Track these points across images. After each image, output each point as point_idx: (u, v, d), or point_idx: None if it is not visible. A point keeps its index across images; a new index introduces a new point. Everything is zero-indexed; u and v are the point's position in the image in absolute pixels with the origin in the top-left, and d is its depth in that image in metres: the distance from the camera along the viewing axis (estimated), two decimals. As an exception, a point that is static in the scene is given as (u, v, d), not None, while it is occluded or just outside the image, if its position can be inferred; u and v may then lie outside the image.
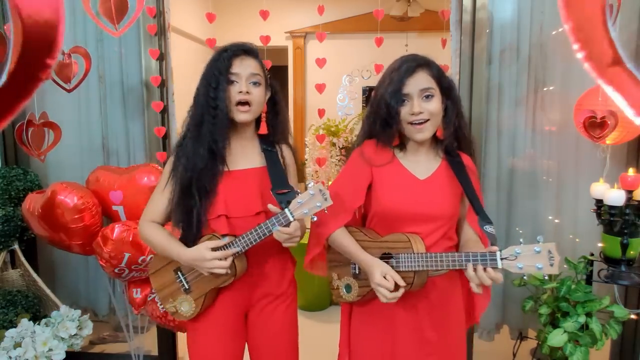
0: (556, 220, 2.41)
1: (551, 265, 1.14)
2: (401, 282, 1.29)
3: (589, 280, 2.09)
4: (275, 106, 1.50)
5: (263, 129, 1.48)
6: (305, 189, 1.30)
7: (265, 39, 2.63)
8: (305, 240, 1.54)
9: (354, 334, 1.51)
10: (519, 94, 2.40)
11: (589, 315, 1.97)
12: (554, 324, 2.03)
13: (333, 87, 5.65)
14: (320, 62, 2.71)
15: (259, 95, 1.40)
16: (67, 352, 2.19)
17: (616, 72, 0.34)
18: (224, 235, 1.39)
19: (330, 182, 4.64)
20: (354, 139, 4.71)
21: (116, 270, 2.09)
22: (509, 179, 2.46)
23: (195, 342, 1.52)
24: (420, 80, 1.35)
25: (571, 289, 2.02)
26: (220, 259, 1.34)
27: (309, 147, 5.48)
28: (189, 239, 1.41)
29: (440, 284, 1.42)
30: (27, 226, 2.38)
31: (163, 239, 1.44)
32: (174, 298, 1.49)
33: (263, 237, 1.34)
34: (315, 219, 1.33)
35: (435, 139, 1.45)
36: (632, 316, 2.14)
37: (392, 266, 1.33)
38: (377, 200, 1.41)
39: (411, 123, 1.35)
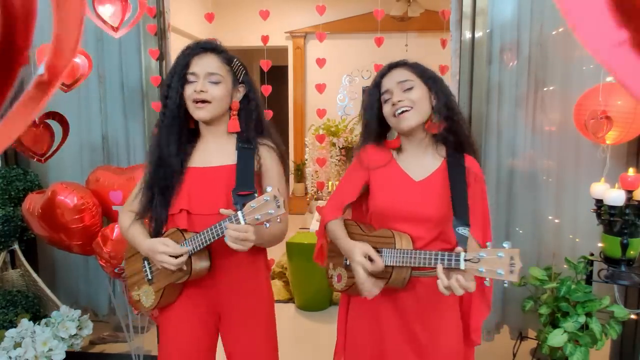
0: (556, 220, 2.41)
1: (511, 272, 1.11)
2: (379, 261, 1.31)
3: (589, 280, 2.09)
4: (249, 103, 1.47)
5: (232, 127, 1.45)
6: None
7: (265, 39, 2.63)
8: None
9: (349, 326, 1.54)
10: (519, 94, 2.40)
11: (589, 315, 1.97)
12: (554, 324, 2.03)
13: (333, 87, 5.68)
14: (320, 62, 2.71)
15: (217, 94, 1.39)
16: (67, 352, 2.19)
17: (622, 53, 0.32)
18: (186, 231, 1.39)
19: (330, 182, 4.65)
20: (354, 139, 4.74)
21: (116, 270, 2.09)
22: (509, 179, 2.46)
23: (163, 341, 1.53)
24: (396, 75, 1.40)
25: (571, 289, 2.02)
26: (172, 255, 1.34)
27: (309, 147, 5.49)
28: (154, 232, 1.44)
29: (431, 286, 1.39)
30: (27, 226, 2.38)
31: (130, 228, 1.48)
32: (138, 286, 1.51)
33: (216, 238, 1.31)
34: (267, 225, 1.24)
35: (434, 139, 1.45)
36: (632, 316, 2.14)
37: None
38: (372, 199, 1.45)
39: (395, 115, 1.38)
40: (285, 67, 6.02)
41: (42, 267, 2.77)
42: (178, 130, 1.42)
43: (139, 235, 1.45)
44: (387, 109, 1.40)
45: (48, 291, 2.52)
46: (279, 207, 1.21)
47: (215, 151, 1.45)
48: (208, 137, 1.47)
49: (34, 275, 2.53)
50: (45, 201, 2.08)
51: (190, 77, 1.39)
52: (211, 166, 1.43)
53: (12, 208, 2.45)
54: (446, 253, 1.22)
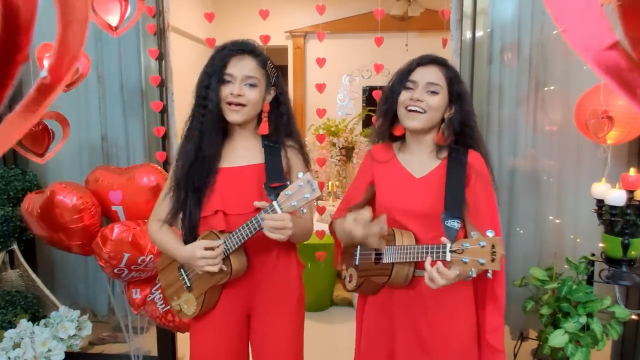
0: (557, 221, 2.41)
1: (492, 260, 1.11)
2: (366, 215, 1.31)
3: (590, 281, 2.08)
4: (280, 107, 1.47)
5: (263, 129, 1.45)
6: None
7: (265, 38, 2.63)
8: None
9: (364, 326, 1.55)
10: (519, 94, 2.39)
11: (590, 315, 1.97)
12: (555, 324, 2.03)
13: (333, 87, 5.66)
14: (320, 62, 2.70)
15: (253, 97, 1.39)
16: (66, 353, 2.18)
17: (612, 56, 0.31)
18: (221, 232, 1.38)
19: (330, 182, 4.64)
20: (354, 139, 4.73)
21: (115, 271, 2.08)
22: (510, 179, 2.45)
23: (195, 343, 1.52)
24: (430, 73, 1.39)
25: (572, 289, 2.01)
26: (212, 257, 1.34)
27: (309, 147, 5.48)
28: (187, 236, 1.43)
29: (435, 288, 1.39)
30: (26, 226, 2.37)
31: (164, 238, 1.47)
32: (178, 296, 1.50)
33: (254, 232, 1.31)
34: (304, 211, 1.29)
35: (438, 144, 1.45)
36: (633, 317, 2.14)
37: (378, 258, 1.39)
38: (377, 197, 1.48)
39: (407, 108, 1.38)
40: (285, 67, 6.00)
41: (41, 267, 2.76)
42: (218, 130, 1.42)
43: (173, 243, 1.44)
44: (403, 97, 1.40)
45: (47, 291, 2.51)
46: (314, 190, 1.22)
47: (243, 151, 1.46)
48: (236, 138, 1.47)
49: (33, 275, 2.52)
50: (44, 201, 2.07)
51: (227, 78, 1.38)
52: (240, 166, 1.44)
53: (10, 208, 2.45)
54: (435, 246, 1.24)
